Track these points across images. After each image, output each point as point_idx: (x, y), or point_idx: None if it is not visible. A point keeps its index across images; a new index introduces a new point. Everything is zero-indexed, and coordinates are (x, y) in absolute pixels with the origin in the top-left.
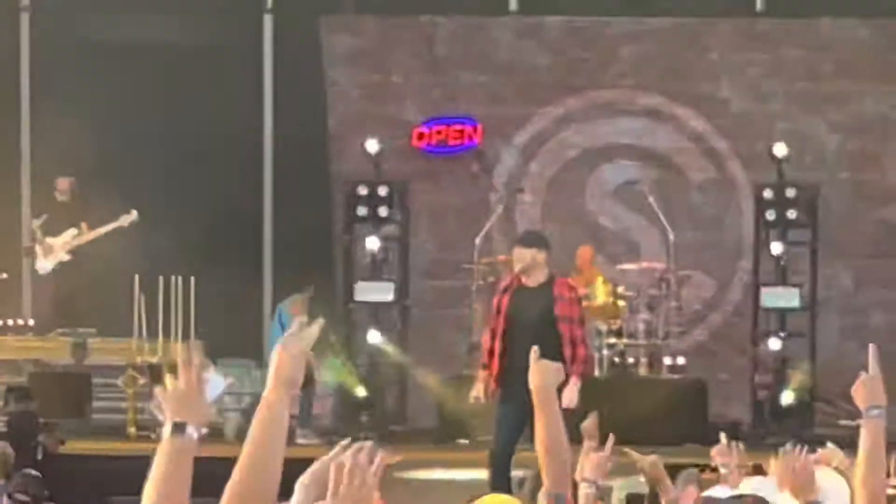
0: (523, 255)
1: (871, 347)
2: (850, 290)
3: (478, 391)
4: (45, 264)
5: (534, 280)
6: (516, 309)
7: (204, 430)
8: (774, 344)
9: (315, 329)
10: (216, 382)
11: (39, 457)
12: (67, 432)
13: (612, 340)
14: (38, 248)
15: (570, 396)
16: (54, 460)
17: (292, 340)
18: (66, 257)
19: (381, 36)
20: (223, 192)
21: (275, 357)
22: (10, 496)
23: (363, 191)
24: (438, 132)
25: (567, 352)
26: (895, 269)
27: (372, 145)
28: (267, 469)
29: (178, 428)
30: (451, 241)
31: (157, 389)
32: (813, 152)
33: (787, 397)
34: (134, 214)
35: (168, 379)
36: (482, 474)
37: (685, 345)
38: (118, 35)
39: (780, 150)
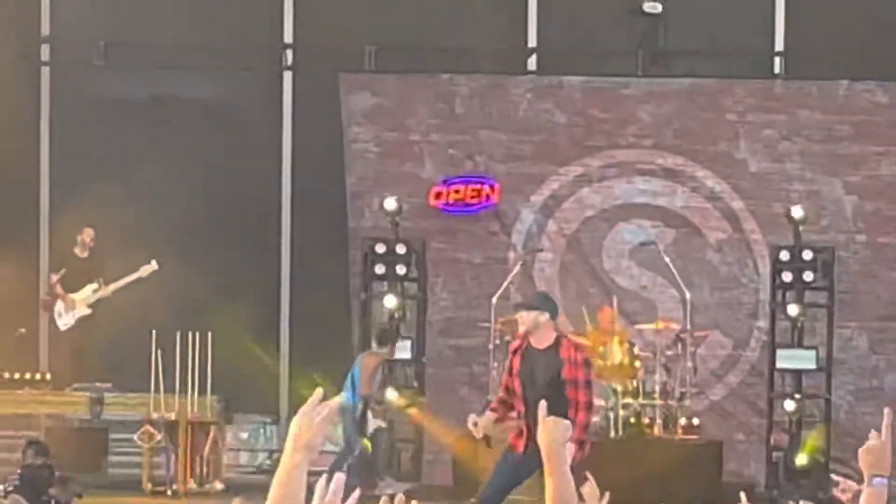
0: (525, 319)
1: (887, 411)
2: (865, 352)
3: (477, 423)
4: (66, 319)
5: (540, 342)
6: (526, 371)
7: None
8: (789, 405)
9: (336, 402)
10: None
11: None
12: (83, 486)
13: (628, 400)
14: (59, 304)
15: None
16: None
17: (313, 410)
18: (87, 311)
19: (401, 94)
20: (241, 248)
21: (295, 422)
22: None
23: (381, 249)
24: (456, 191)
25: (571, 414)
26: None
27: (390, 203)
28: None
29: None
30: (469, 300)
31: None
32: (830, 214)
33: (802, 459)
34: (153, 265)
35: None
36: None
37: (701, 405)
38: (138, 90)
39: (796, 212)
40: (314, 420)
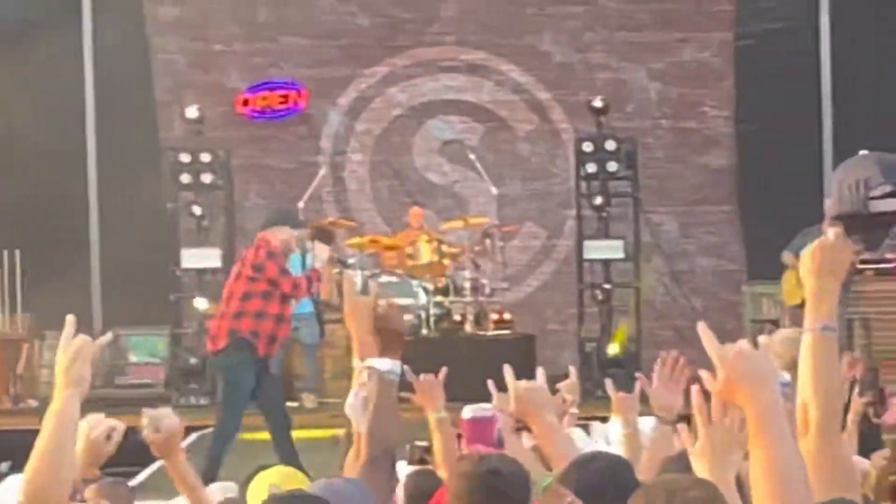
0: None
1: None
2: (675, 237)
3: None
4: None
5: None
6: None
7: None
8: (599, 295)
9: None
10: None
11: None
12: None
13: (439, 298)
14: None
15: None
16: None
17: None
18: None
19: (203, 4)
20: (47, 161)
21: (59, 358)
22: None
23: (185, 158)
24: (263, 98)
25: None
26: (719, 214)
27: (192, 112)
28: (59, 469)
29: None
30: (282, 203)
31: None
32: (635, 101)
33: (613, 349)
34: None
35: None
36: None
37: (514, 298)
38: None
39: (597, 103)
40: (74, 354)
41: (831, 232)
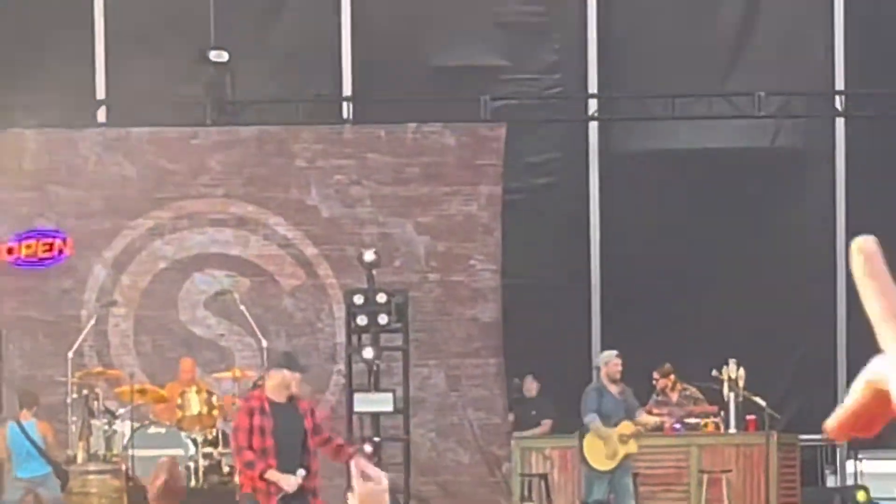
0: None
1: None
2: (444, 390)
3: None
4: None
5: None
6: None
7: None
8: (368, 449)
9: None
10: None
11: None
12: None
13: (208, 450)
14: None
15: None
16: None
17: None
18: None
19: None
20: None
21: None
22: None
23: None
24: (28, 246)
25: None
26: (487, 367)
27: None
28: None
29: None
30: (44, 357)
31: None
32: (402, 255)
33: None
34: None
35: None
36: None
37: None
38: None
39: (368, 256)
40: None
41: None
